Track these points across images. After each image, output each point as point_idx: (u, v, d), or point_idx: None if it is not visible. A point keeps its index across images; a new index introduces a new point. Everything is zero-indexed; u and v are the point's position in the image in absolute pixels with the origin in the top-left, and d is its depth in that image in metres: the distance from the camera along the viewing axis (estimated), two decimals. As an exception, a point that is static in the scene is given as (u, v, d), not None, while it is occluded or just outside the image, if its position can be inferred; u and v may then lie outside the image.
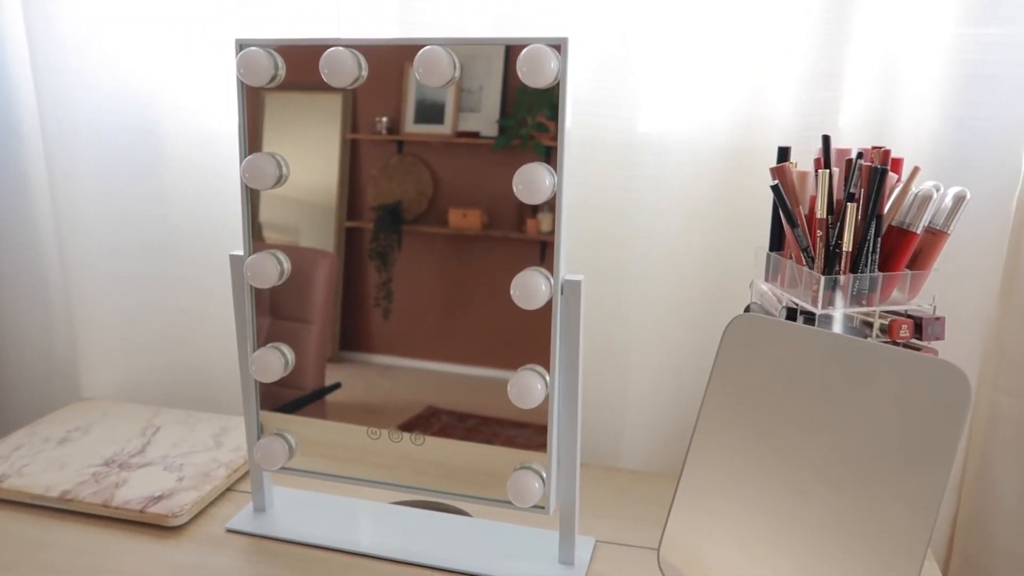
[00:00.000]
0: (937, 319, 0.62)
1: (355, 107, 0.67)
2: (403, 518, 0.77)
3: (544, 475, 0.65)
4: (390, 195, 0.67)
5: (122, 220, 0.98)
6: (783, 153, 0.68)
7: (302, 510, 0.77)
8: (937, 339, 0.62)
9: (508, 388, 0.63)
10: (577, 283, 0.62)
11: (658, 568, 0.55)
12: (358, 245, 0.69)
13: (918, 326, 0.62)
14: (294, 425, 0.72)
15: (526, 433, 0.66)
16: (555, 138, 0.61)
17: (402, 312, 0.69)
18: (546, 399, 0.63)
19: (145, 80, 0.94)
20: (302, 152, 0.68)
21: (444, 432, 0.69)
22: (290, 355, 0.70)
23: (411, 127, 0.66)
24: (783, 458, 0.49)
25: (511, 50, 0.61)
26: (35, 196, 1.03)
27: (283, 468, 0.72)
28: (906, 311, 0.64)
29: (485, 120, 0.64)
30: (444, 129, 0.65)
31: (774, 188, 0.64)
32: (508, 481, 0.65)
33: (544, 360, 0.64)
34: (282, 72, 0.66)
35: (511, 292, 0.61)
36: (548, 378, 0.64)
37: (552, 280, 0.62)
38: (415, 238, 0.67)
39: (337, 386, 0.72)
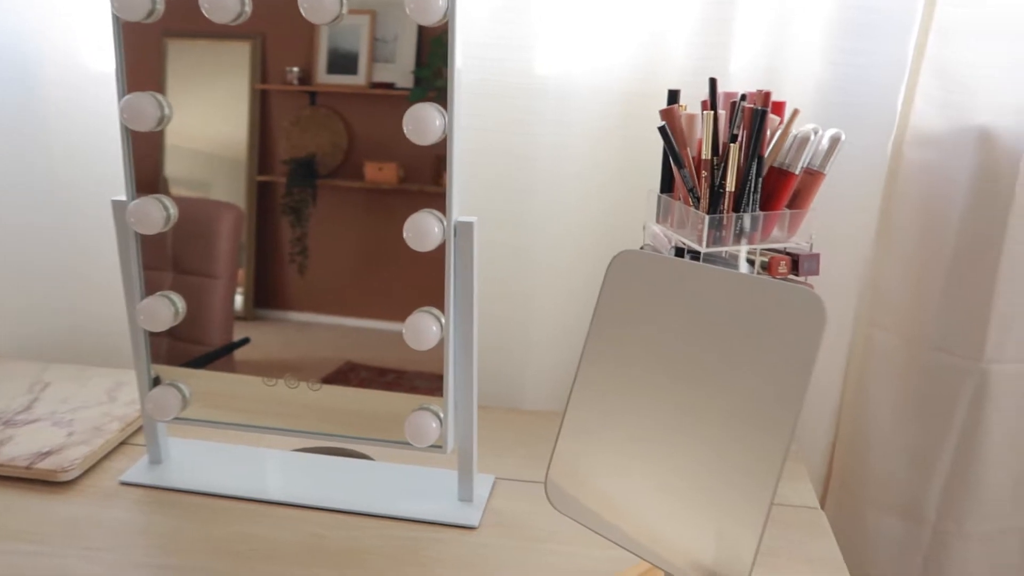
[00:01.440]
0: (812, 256, 0.66)
1: (264, 56, 0.65)
2: (305, 464, 0.77)
3: (441, 415, 0.66)
4: (303, 148, 0.66)
5: (1, 168, 0.93)
6: (672, 96, 0.69)
7: (201, 461, 0.76)
8: (813, 275, 0.66)
9: (403, 331, 0.63)
10: (470, 224, 0.63)
11: (546, 498, 0.57)
12: (271, 200, 0.67)
13: (795, 262, 0.66)
14: (194, 379, 0.71)
15: (428, 379, 0.67)
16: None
17: (318, 268, 0.68)
18: (441, 342, 0.64)
19: (19, 15, 0.87)
20: (209, 103, 0.66)
21: (361, 385, 0.69)
22: (180, 304, 0.69)
23: (324, 78, 0.64)
24: (655, 389, 0.51)
25: None
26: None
27: (177, 419, 0.71)
28: (785, 248, 0.67)
29: (400, 71, 0.63)
30: (358, 80, 0.64)
31: (661, 129, 0.65)
32: (405, 421, 0.65)
33: (439, 303, 0.64)
34: (160, 7, 0.62)
35: (404, 234, 0.61)
36: (443, 320, 0.64)
37: (444, 222, 0.62)
38: (330, 192, 0.66)
39: (245, 341, 0.71)
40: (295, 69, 0.64)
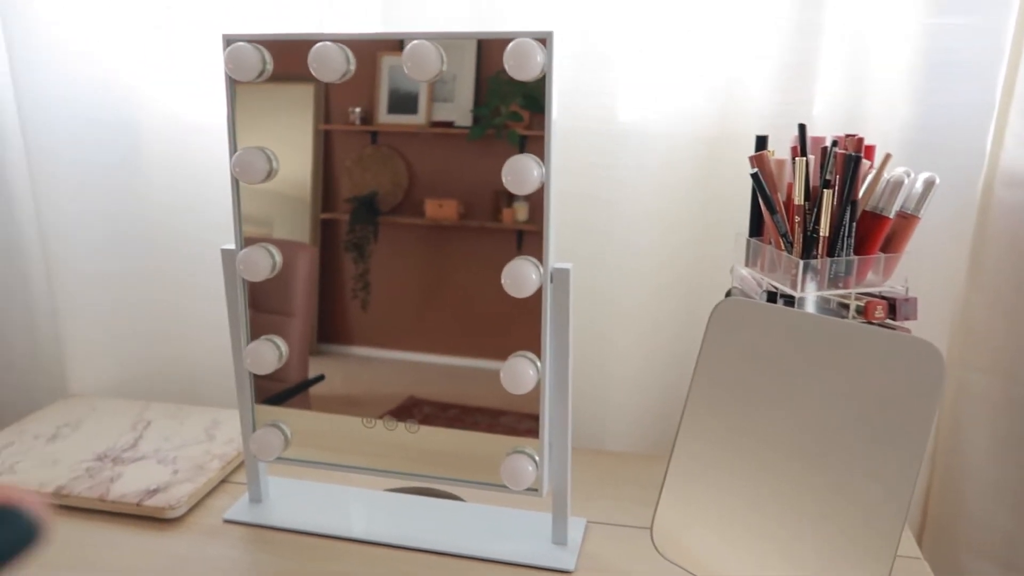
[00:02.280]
0: (909, 299, 0.65)
1: (327, 97, 0.67)
2: (397, 504, 0.79)
3: (537, 458, 0.67)
4: (365, 186, 0.68)
5: (103, 215, 0.98)
6: (761, 142, 0.70)
7: (297, 499, 0.78)
8: (910, 319, 0.65)
9: (501, 374, 0.65)
10: (566, 271, 0.64)
11: (650, 545, 0.57)
12: (334, 237, 0.69)
13: (892, 307, 0.65)
14: (284, 416, 0.73)
15: (512, 419, 0.68)
16: (529, 127, 0.62)
17: (380, 303, 0.70)
18: (537, 385, 0.65)
19: (123, 75, 0.93)
20: (275, 144, 0.68)
21: (426, 422, 0.70)
22: (283, 347, 0.72)
23: (385, 117, 0.66)
24: (767, 438, 0.52)
25: (484, 40, 0.62)
26: (16, 194, 1.02)
27: (278, 458, 0.73)
28: (880, 292, 0.67)
29: (459, 110, 0.64)
30: (418, 119, 0.66)
31: (754, 176, 0.66)
32: (502, 465, 0.67)
33: (534, 347, 0.66)
34: (270, 67, 0.66)
35: (502, 281, 0.63)
36: (539, 364, 0.65)
37: (541, 269, 0.63)
38: (391, 229, 0.68)
39: (321, 378, 0.73)
40: (357, 109, 0.67)
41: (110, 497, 0.76)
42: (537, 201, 0.63)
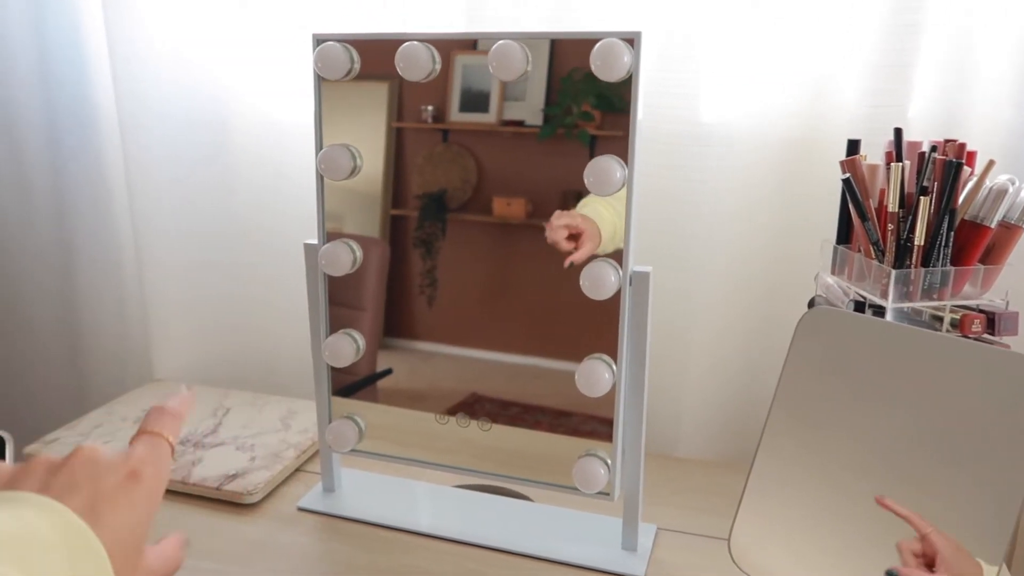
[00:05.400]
0: (1011, 314, 0.62)
1: (401, 96, 0.68)
2: (466, 501, 0.79)
3: (609, 462, 0.66)
4: (435, 183, 0.68)
5: (191, 210, 1.02)
6: (853, 146, 0.67)
7: (369, 491, 0.79)
8: (1011, 335, 0.62)
9: (576, 376, 0.64)
10: (646, 275, 0.63)
11: (720, 555, 0.56)
12: (403, 233, 0.70)
13: (991, 321, 0.62)
14: (357, 409, 0.74)
15: (579, 421, 0.67)
16: (601, 127, 0.62)
17: (446, 300, 0.70)
18: (612, 388, 0.64)
19: (215, 75, 0.97)
20: (351, 140, 0.69)
21: (490, 419, 0.70)
22: (361, 341, 0.73)
23: (457, 116, 0.67)
24: (852, 454, 0.50)
25: (558, 39, 0.62)
26: (112, 187, 1.07)
27: (352, 450, 0.74)
28: (978, 306, 0.63)
29: (530, 109, 0.64)
30: (489, 118, 0.66)
31: (846, 182, 0.64)
32: (574, 467, 0.66)
33: (610, 349, 0.65)
34: (357, 66, 0.67)
35: (581, 283, 0.62)
36: (615, 368, 0.65)
37: (620, 271, 0.63)
38: (459, 226, 0.68)
39: (389, 372, 0.74)
40: (430, 108, 0.67)
41: (191, 480, 0.78)
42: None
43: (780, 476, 0.53)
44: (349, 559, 0.70)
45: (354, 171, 0.69)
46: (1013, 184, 0.62)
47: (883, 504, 0.47)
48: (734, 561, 0.54)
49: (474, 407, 0.71)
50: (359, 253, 0.71)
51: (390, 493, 0.79)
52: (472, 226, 0.68)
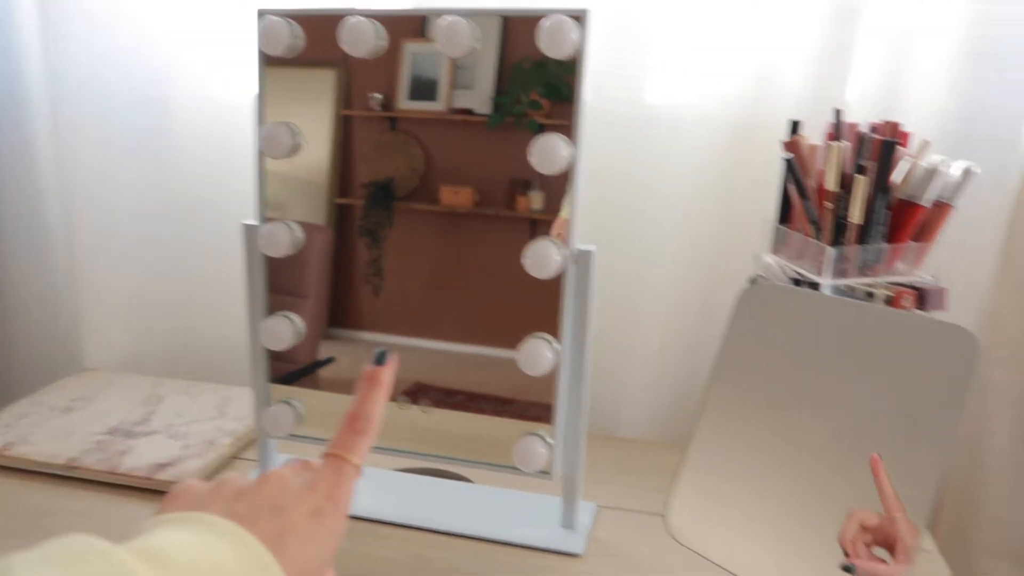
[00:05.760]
0: (939, 290, 0.64)
1: (349, 83, 0.67)
2: (407, 484, 0.78)
3: (550, 441, 0.66)
4: (382, 172, 0.67)
5: (125, 192, 0.97)
6: (794, 127, 0.68)
7: (308, 477, 0.77)
8: (939, 310, 0.64)
9: (517, 354, 0.63)
10: (589, 254, 0.63)
11: (659, 532, 0.56)
12: (349, 222, 0.69)
13: (921, 297, 0.64)
14: (297, 395, 0.72)
15: (523, 407, 0.67)
16: (550, 116, 0.61)
17: (392, 289, 0.69)
18: (554, 368, 0.64)
19: (154, 47, 0.92)
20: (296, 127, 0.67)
21: (438, 406, 0.69)
22: (300, 323, 0.71)
23: (405, 104, 0.66)
24: (790, 426, 0.50)
25: (508, 25, 0.61)
26: (40, 166, 1.01)
27: (290, 436, 0.72)
28: (909, 282, 0.65)
29: (479, 97, 0.64)
30: (438, 106, 0.65)
31: (788, 161, 0.64)
32: (514, 446, 0.66)
33: (553, 330, 0.64)
34: (300, 42, 0.65)
35: (523, 261, 0.61)
36: (557, 346, 0.64)
37: (564, 250, 0.62)
38: (406, 215, 0.67)
39: (331, 360, 0.72)
40: (378, 95, 0.66)
41: (120, 470, 0.75)
42: (552, 190, 0.62)
43: (718, 450, 0.54)
44: (287, 546, 0.68)
45: (295, 149, 0.67)
46: (945, 164, 0.64)
47: (875, 466, 0.46)
48: (671, 535, 0.55)
49: (418, 396, 0.70)
50: (300, 234, 0.69)
51: (330, 479, 0.77)
52: (419, 215, 0.67)
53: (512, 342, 0.65)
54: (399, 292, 0.69)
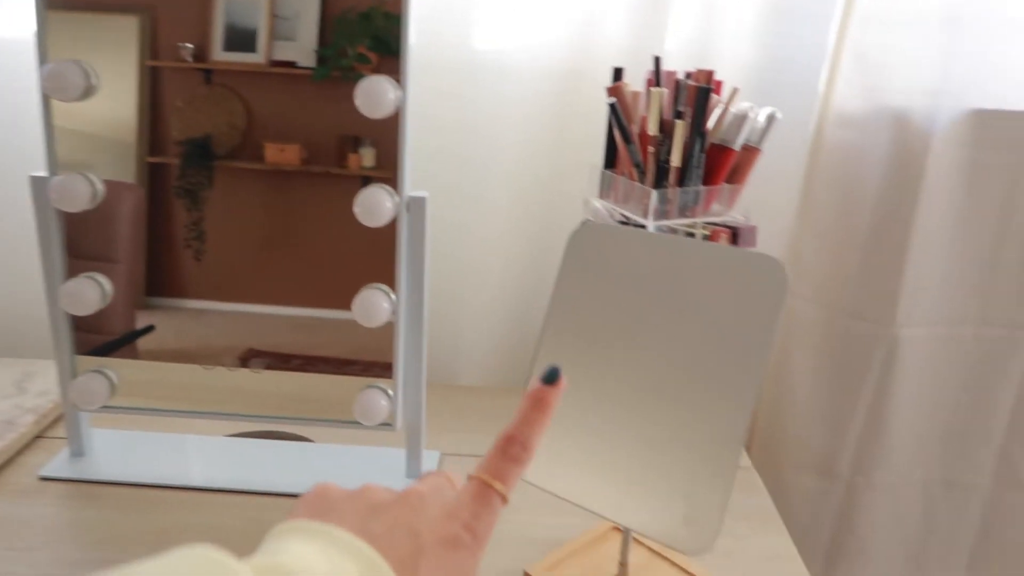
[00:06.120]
0: (751, 228, 0.68)
1: (155, 31, 0.61)
2: (241, 449, 0.74)
3: (391, 392, 0.65)
4: (198, 128, 0.63)
5: None
6: (617, 73, 0.70)
7: (129, 451, 0.72)
8: (750, 247, 0.68)
9: (352, 306, 0.62)
10: (422, 200, 0.62)
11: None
12: (163, 182, 0.64)
13: (735, 235, 0.68)
14: (113, 366, 0.67)
15: (362, 367, 0.66)
16: (377, 70, 0.59)
17: (216, 253, 0.65)
18: (391, 319, 0.63)
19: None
20: (96, 79, 0.61)
21: (303, 369, 0.67)
22: (107, 285, 0.64)
23: (220, 55, 0.62)
24: (622, 360, 0.52)
25: None
26: None
27: (104, 407, 0.67)
28: (724, 222, 0.69)
29: (302, 50, 0.61)
30: (257, 58, 0.61)
31: (612, 106, 0.66)
32: (355, 400, 0.64)
33: (388, 281, 0.63)
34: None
35: (354, 209, 0.59)
36: (393, 297, 0.63)
37: (396, 197, 0.60)
38: (228, 174, 0.64)
39: (150, 329, 0.67)
40: (189, 46, 0.62)
41: None
42: (384, 146, 0.61)
43: (557, 390, 0.55)
44: (111, 524, 0.63)
45: (88, 91, 0.60)
46: (752, 111, 0.68)
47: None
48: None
49: (250, 363, 0.66)
50: (100, 186, 0.62)
51: (153, 450, 0.72)
52: (242, 174, 0.63)
53: (347, 302, 0.63)
54: (224, 256, 0.65)
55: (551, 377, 0.36)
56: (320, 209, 0.63)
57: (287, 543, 0.31)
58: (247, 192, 0.63)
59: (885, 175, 0.83)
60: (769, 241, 0.86)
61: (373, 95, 0.57)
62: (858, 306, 0.88)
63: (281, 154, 0.63)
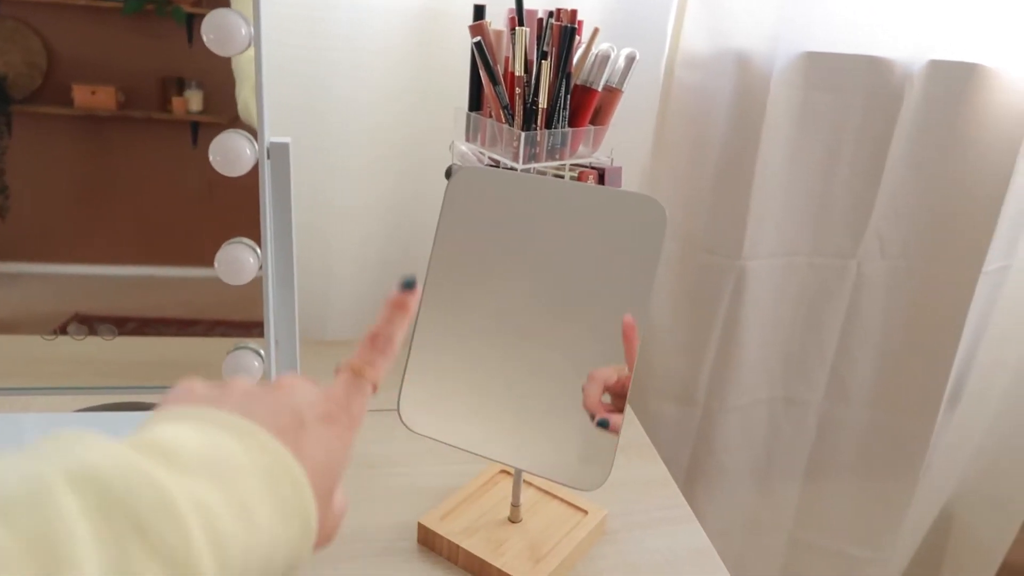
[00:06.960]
0: (616, 169, 0.70)
1: None
2: (92, 425, 0.68)
3: (262, 352, 0.62)
4: None
5: None
6: (479, 11, 0.68)
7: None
8: (616, 187, 0.70)
9: (216, 264, 0.58)
10: (285, 146, 0.58)
11: (388, 427, 0.56)
12: None
13: (601, 176, 0.69)
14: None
15: (223, 327, 0.62)
16: (198, 4, 0.55)
17: (24, 210, 0.59)
18: (258, 274, 0.59)
19: None
20: None
21: (162, 333, 0.62)
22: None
23: None
24: (505, 304, 0.53)
25: None
26: None
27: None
28: (590, 163, 0.70)
29: None
30: None
31: (476, 45, 0.64)
32: (223, 364, 0.60)
33: (252, 234, 0.59)
34: None
35: (211, 158, 0.55)
36: (259, 251, 0.59)
37: (256, 143, 0.56)
38: (30, 120, 0.57)
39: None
40: None
41: None
42: (212, 88, 0.57)
43: (441, 336, 0.54)
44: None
45: None
46: (614, 51, 0.69)
47: (629, 330, 0.49)
48: (407, 426, 0.55)
49: (73, 328, 0.60)
50: None
51: (-12, 435, 0.65)
52: (48, 120, 0.57)
53: (194, 257, 0.58)
54: (35, 213, 0.59)
55: (409, 284, 0.38)
56: (145, 157, 0.58)
57: (160, 427, 0.29)
58: (55, 140, 0.58)
59: (730, 115, 0.87)
60: (629, 181, 0.89)
61: (223, 28, 0.52)
62: (710, 241, 0.93)
63: (93, 97, 0.57)
